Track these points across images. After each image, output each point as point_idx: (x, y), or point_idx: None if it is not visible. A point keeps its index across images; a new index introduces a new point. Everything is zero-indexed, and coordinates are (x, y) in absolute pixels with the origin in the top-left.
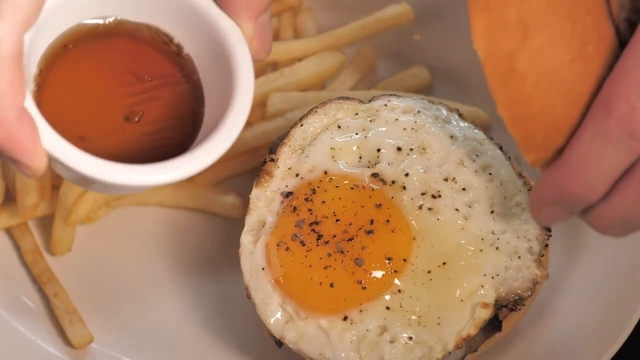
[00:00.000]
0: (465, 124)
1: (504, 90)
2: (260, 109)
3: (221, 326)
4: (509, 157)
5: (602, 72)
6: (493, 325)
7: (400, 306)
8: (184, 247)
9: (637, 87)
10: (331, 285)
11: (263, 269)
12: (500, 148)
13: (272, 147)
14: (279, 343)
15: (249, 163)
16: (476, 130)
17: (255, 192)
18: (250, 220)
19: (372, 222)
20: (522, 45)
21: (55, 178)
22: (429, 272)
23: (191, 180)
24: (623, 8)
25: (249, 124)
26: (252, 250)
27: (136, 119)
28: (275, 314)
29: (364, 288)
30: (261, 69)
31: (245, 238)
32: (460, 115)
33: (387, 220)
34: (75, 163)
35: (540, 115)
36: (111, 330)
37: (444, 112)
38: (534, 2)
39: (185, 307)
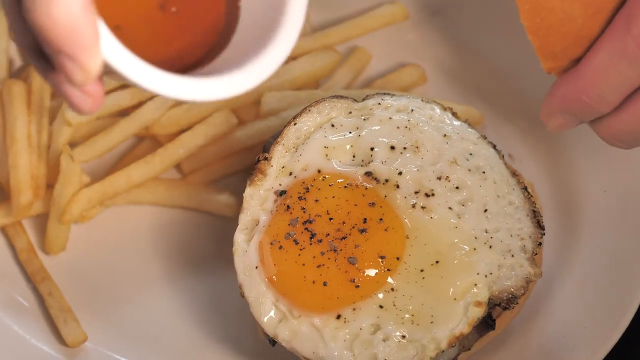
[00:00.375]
0: (459, 123)
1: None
2: (254, 108)
3: (215, 325)
4: (502, 156)
5: None
6: (486, 323)
7: (394, 305)
8: (178, 246)
9: None
10: (324, 283)
11: (256, 267)
12: (494, 147)
13: (266, 146)
14: (273, 342)
15: (243, 162)
16: (470, 129)
17: (248, 191)
18: (244, 219)
19: (365, 220)
20: None
21: (50, 177)
22: (422, 270)
23: (185, 179)
24: None
25: (242, 122)
26: (245, 248)
27: (173, 9)
28: (268, 312)
29: (357, 287)
30: None
31: (239, 237)
32: (454, 114)
33: (380, 219)
34: (131, 72)
35: (561, 26)
36: (105, 329)
37: (438, 111)
38: None
39: (179, 305)
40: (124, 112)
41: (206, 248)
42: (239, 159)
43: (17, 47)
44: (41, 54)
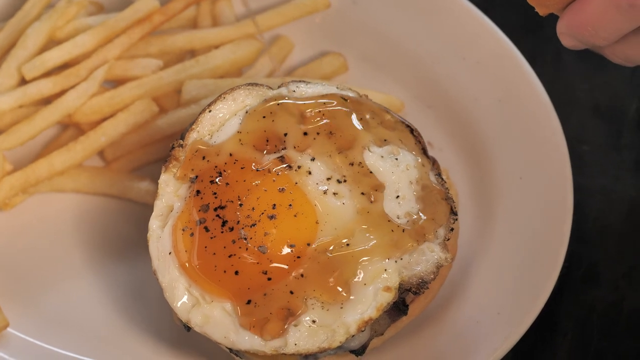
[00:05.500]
0: (377, 106)
1: None
2: (175, 96)
3: (136, 311)
4: (419, 141)
5: None
6: (399, 309)
7: (304, 290)
8: (101, 233)
9: None
10: (236, 272)
11: (170, 253)
12: (412, 131)
13: (183, 133)
14: (187, 327)
15: (165, 150)
16: (387, 115)
17: (163, 178)
18: (159, 205)
19: (274, 206)
20: None
21: None
22: (331, 256)
23: (107, 167)
24: None
25: (163, 111)
26: (160, 234)
27: None
28: (181, 297)
29: (269, 279)
30: (178, 57)
31: (154, 223)
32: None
33: (290, 205)
34: None
35: None
36: (27, 316)
37: (353, 97)
38: None
39: (102, 292)
40: (48, 101)
41: (128, 235)
42: (160, 146)
43: None
44: None
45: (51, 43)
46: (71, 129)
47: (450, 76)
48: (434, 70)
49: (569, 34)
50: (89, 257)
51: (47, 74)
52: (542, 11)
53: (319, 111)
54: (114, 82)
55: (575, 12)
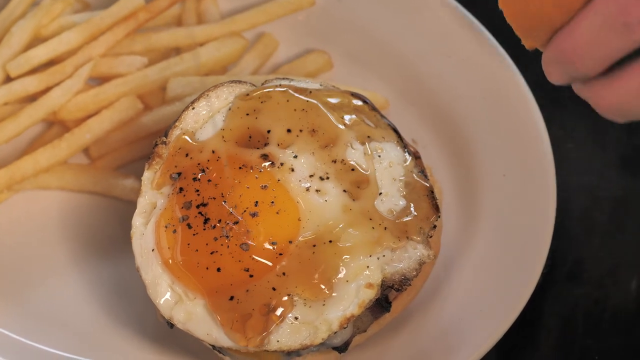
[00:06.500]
0: (360, 103)
1: None
2: (160, 94)
3: (120, 308)
4: (401, 139)
5: None
6: (381, 306)
7: (286, 287)
8: (86, 231)
9: None
10: (218, 269)
11: (153, 250)
12: (394, 129)
13: (167, 130)
14: (170, 324)
15: (149, 147)
16: (370, 112)
17: (147, 175)
18: (142, 202)
19: (256, 203)
20: None
21: None
22: (313, 253)
23: (92, 164)
24: None
25: (148, 108)
26: (143, 231)
27: None
28: (164, 294)
29: (251, 276)
30: (163, 55)
31: (137, 220)
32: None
33: (272, 202)
34: None
35: (536, 15)
36: (12, 313)
37: None
38: None
39: (86, 290)
40: (33, 98)
41: (113, 232)
42: (145, 144)
43: None
44: None
45: (36, 41)
46: (56, 126)
47: (435, 74)
48: (418, 67)
49: (556, 62)
50: (73, 254)
51: (32, 71)
52: (528, 44)
53: (303, 109)
54: (99, 80)
55: (565, 37)
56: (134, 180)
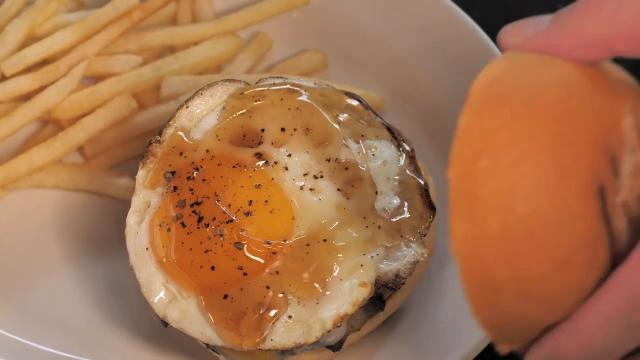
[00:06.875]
0: (356, 103)
1: (478, 296)
2: (154, 93)
3: (115, 307)
4: (395, 137)
5: (590, 284)
6: (375, 304)
7: (280, 285)
8: (80, 229)
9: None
10: (212, 268)
11: (147, 248)
12: (387, 127)
13: (161, 129)
14: (165, 323)
15: (144, 146)
16: (364, 112)
17: (141, 173)
18: (137, 201)
19: (250, 202)
20: (503, 254)
21: None
22: (307, 252)
23: (87, 163)
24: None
25: (142, 107)
26: (137, 230)
27: None
28: (158, 293)
29: (245, 274)
30: (158, 54)
31: (131, 218)
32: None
33: (266, 201)
34: None
35: (517, 322)
36: (8, 312)
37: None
38: (520, 212)
39: (81, 288)
40: (27, 97)
41: (107, 231)
42: (140, 143)
43: None
44: None
45: (31, 40)
46: (51, 125)
47: (430, 73)
48: (412, 67)
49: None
50: (68, 253)
51: (27, 70)
52: (503, 349)
53: (297, 108)
54: (94, 79)
55: (565, 334)
56: (129, 179)
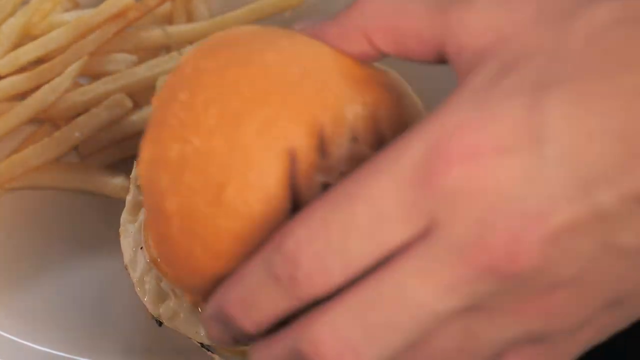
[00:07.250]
0: None
1: (155, 225)
2: (149, 92)
3: (110, 306)
4: None
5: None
6: None
7: None
8: (75, 229)
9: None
10: None
11: (141, 247)
12: None
13: None
14: (159, 322)
15: (139, 145)
16: None
17: (135, 172)
18: (131, 201)
19: None
20: (174, 183)
21: None
22: None
23: (82, 163)
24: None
25: (137, 106)
26: (131, 229)
27: None
28: (152, 292)
29: None
30: (153, 54)
31: (126, 218)
32: None
33: None
34: None
35: (188, 264)
36: (2, 312)
37: None
38: (197, 145)
39: (75, 287)
40: (22, 96)
41: (102, 230)
42: (135, 142)
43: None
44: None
45: (26, 39)
46: (46, 124)
47: (425, 72)
48: (406, 65)
49: (214, 315)
50: (63, 253)
51: (22, 69)
52: (188, 299)
53: None
54: (89, 78)
55: (228, 288)
56: (124, 178)
